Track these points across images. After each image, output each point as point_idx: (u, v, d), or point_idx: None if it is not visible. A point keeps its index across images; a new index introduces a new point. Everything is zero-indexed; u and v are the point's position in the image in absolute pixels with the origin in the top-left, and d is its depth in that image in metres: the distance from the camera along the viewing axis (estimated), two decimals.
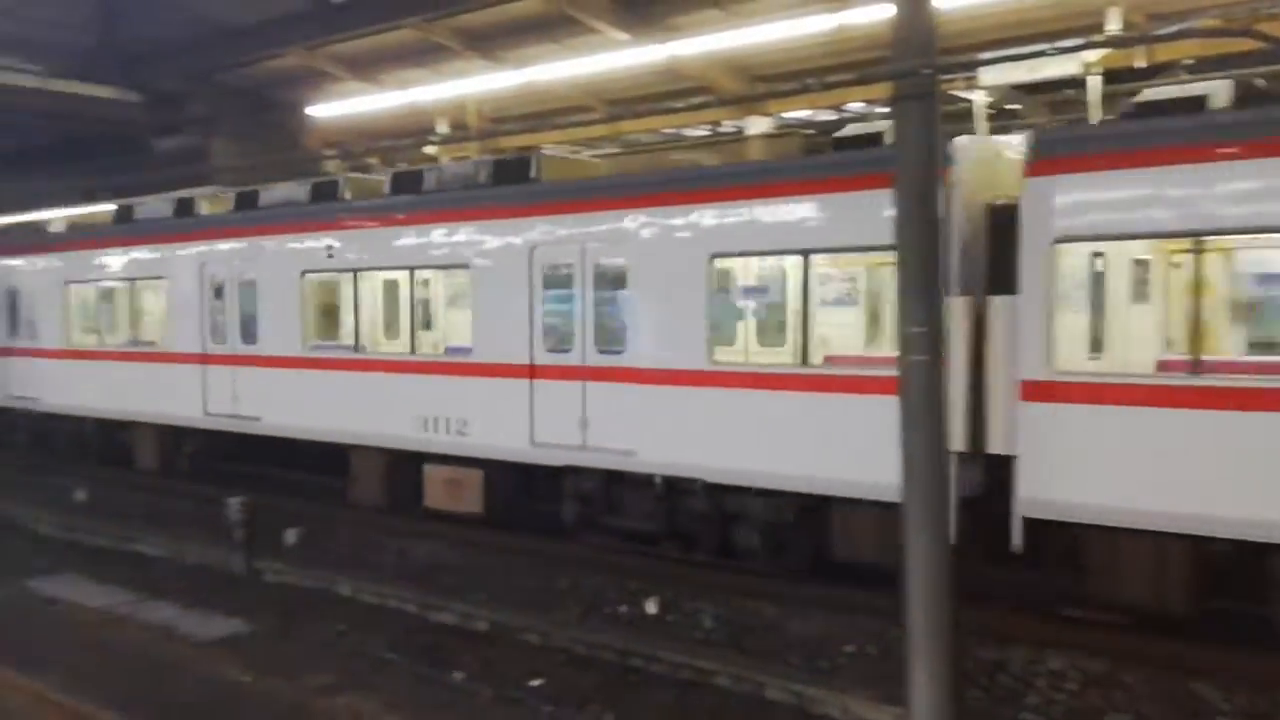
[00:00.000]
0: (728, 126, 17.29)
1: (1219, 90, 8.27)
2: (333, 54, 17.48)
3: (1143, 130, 8.22)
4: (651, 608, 10.18)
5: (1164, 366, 8.41)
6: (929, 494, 6.80)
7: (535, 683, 9.12)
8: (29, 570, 13.30)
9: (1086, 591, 8.54)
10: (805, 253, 9.63)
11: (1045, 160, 8.41)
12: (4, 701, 8.96)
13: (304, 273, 13.76)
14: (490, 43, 16.05)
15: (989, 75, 11.39)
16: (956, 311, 8.57)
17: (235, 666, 9.81)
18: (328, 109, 18.13)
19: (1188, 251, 7.87)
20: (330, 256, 13.44)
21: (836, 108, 16.58)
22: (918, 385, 6.78)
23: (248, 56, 18.09)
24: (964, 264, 8.76)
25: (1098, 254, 8.64)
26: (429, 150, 16.95)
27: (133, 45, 19.36)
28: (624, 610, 10.27)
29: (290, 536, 12.87)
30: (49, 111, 17.75)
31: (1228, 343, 8.46)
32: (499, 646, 10.01)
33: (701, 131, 18.43)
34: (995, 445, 8.65)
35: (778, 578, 10.29)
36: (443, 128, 17.51)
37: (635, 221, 10.66)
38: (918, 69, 6.57)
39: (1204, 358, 7.86)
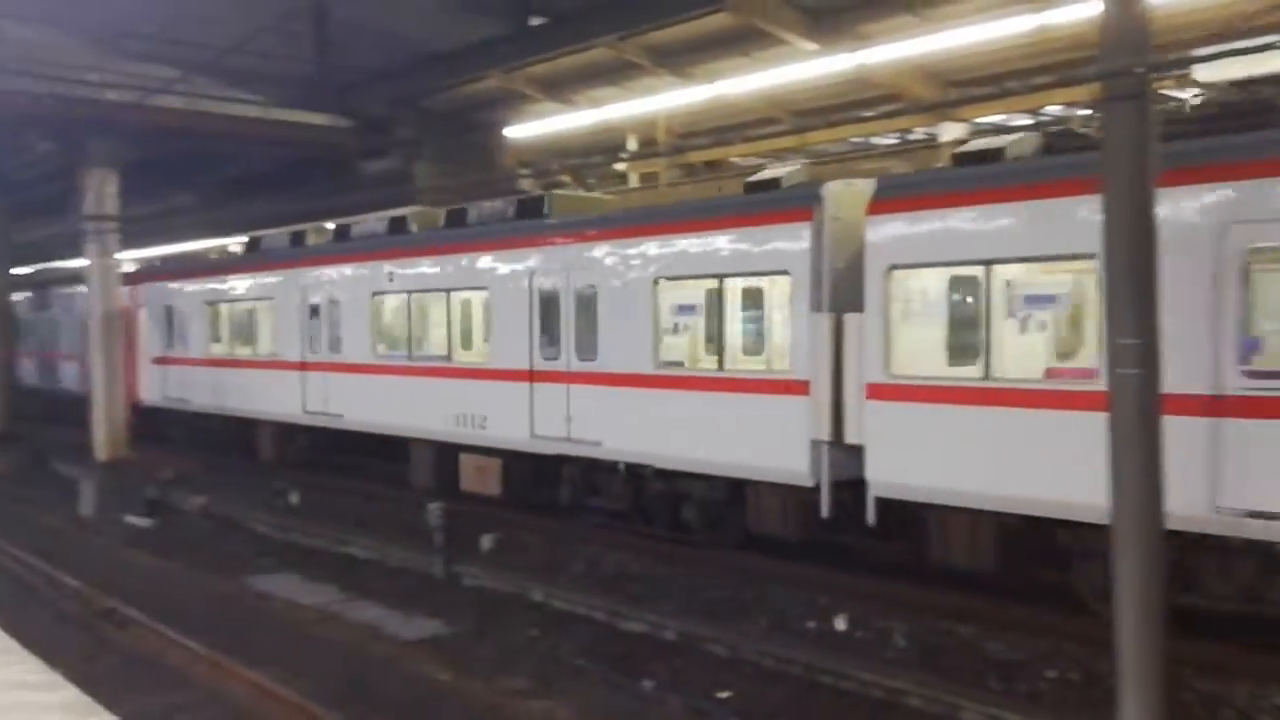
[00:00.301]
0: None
1: (1023, 142, 9.95)
2: (529, 75, 18.05)
3: (943, 178, 10.30)
4: (840, 624, 9.99)
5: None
6: (1141, 515, 6.42)
7: (724, 695, 9.10)
8: (249, 568, 14.25)
9: (928, 559, 10.20)
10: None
11: (881, 202, 10.25)
12: (228, 690, 9.57)
13: (373, 294, 16.23)
14: (680, 58, 16.22)
15: (1204, 73, 10.71)
16: (822, 326, 10.52)
17: (436, 666, 10.19)
18: (523, 129, 18.74)
19: (977, 275, 9.49)
20: (390, 280, 15.85)
21: (1033, 111, 15.95)
22: (1130, 400, 6.41)
23: (450, 81, 18.89)
24: (833, 287, 10.53)
25: (921, 278, 10.09)
26: (619, 167, 17.29)
27: (345, 74, 20.57)
28: (812, 625, 10.13)
29: (486, 542, 13.30)
30: (270, 139, 19.02)
31: (1018, 351, 9.63)
32: (687, 656, 10.03)
33: (890, 140, 18.10)
34: (850, 437, 10.44)
35: (975, 597, 9.95)
36: (632, 144, 17.83)
37: (601, 251, 12.74)
38: (1129, 68, 6.25)
39: (1000, 368, 9.41)
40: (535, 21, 17.71)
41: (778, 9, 14.68)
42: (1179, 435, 7.20)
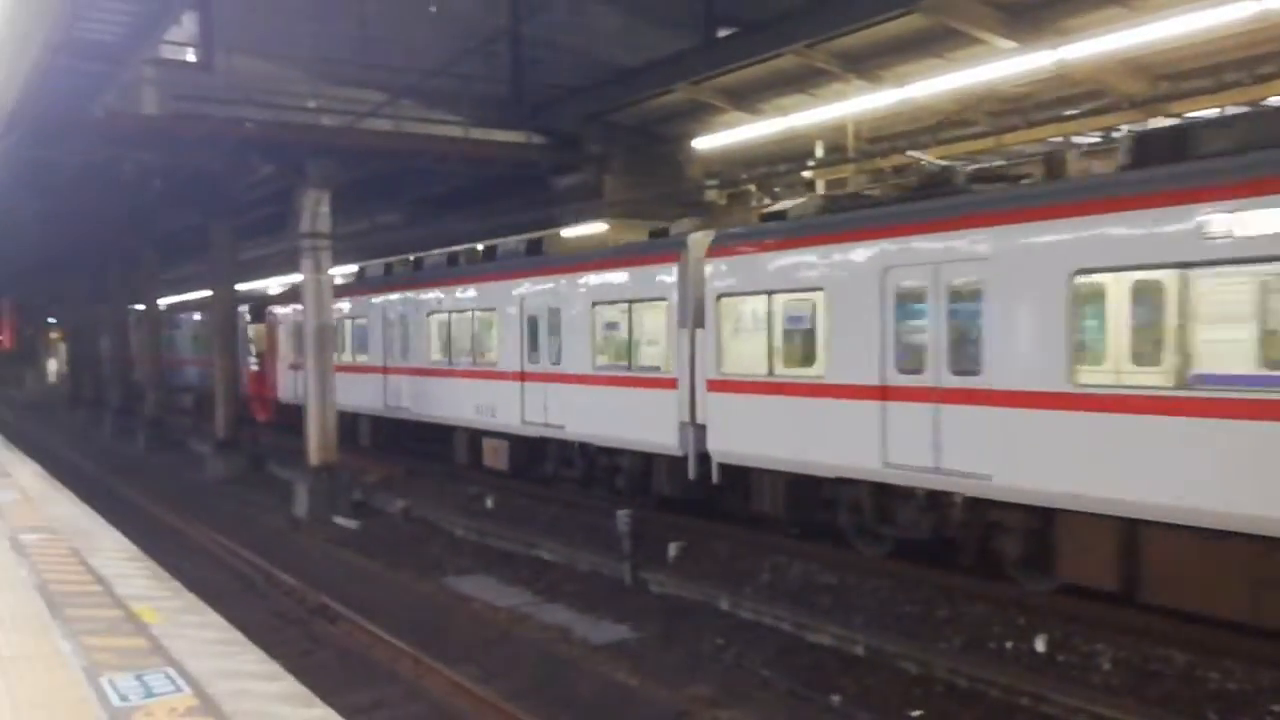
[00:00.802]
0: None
1: (807, 205, 13.91)
2: (716, 86, 18.15)
3: (748, 232, 14.24)
4: (1040, 645, 9.56)
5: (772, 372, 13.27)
6: None
7: (915, 713, 8.85)
8: (447, 569, 14.83)
9: (751, 508, 13.74)
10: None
11: (714, 248, 14.12)
12: (429, 687, 9.97)
13: (429, 313, 21.10)
14: (869, 62, 15.95)
15: None
16: (684, 338, 14.43)
17: (624, 670, 10.31)
18: (710, 140, 18.84)
19: (764, 302, 13.20)
20: (440, 302, 20.67)
21: (1254, 103, 14.86)
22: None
23: (639, 95, 19.22)
24: (692, 309, 14.34)
25: (736, 303, 13.76)
26: (806, 174, 17.15)
27: (539, 92, 21.26)
28: (1009, 645, 9.73)
29: (673, 550, 13.39)
30: (469, 157, 19.81)
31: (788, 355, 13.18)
32: (877, 673, 9.81)
33: (1093, 139, 17.24)
34: (700, 418, 14.16)
35: (1186, 622, 9.31)
36: (819, 151, 17.65)
37: (563, 282, 17.03)
38: None
39: (777, 368, 13.12)
40: (723, 33, 17.79)
41: (973, 7, 14.23)
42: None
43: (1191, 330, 8.87)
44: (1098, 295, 9.65)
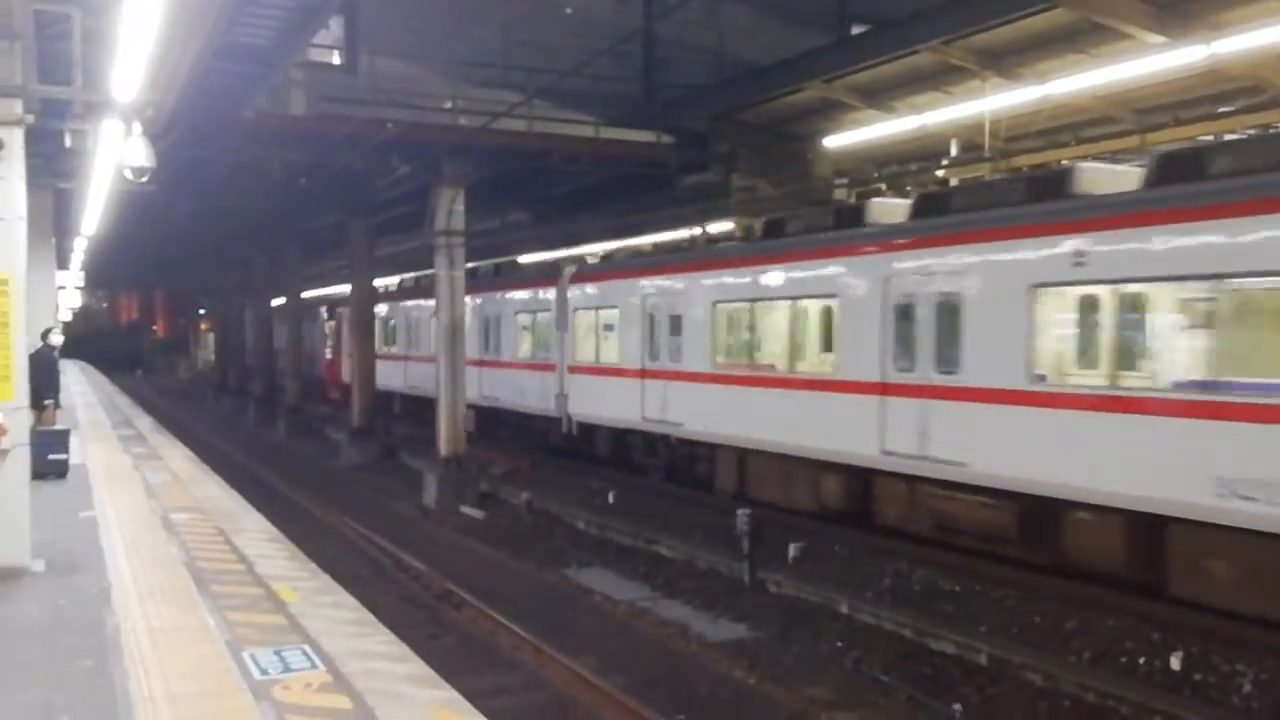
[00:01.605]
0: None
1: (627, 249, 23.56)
2: (849, 84, 17.94)
3: (584, 268, 21.71)
4: (1176, 662, 9.19)
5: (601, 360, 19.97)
6: None
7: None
8: (568, 561, 15.08)
9: (596, 453, 20.36)
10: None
11: (572, 275, 21.24)
12: (549, 676, 10.17)
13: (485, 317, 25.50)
14: (1008, 59, 15.53)
15: None
16: (559, 337, 21.21)
17: (740, 669, 10.34)
18: (840, 138, 18.66)
19: (594, 315, 20.24)
20: (480, 305, 24.94)
21: None
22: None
23: (770, 93, 19.16)
24: (563, 318, 21.07)
25: (581, 316, 20.67)
26: (939, 173, 16.81)
27: (668, 91, 21.40)
28: (1142, 661, 9.38)
29: (792, 550, 13.33)
30: (600, 156, 20.08)
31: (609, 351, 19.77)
32: (1000, 683, 9.58)
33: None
34: (563, 390, 21.00)
35: None
36: (954, 149, 17.27)
37: (501, 296, 24.39)
38: None
39: (603, 359, 19.82)
40: (857, 30, 17.58)
41: (1121, 2, 13.75)
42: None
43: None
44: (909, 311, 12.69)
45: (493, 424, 24.55)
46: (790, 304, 14.88)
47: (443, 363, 20.27)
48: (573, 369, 20.67)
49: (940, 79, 16.82)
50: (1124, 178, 11.20)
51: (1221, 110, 14.50)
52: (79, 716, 5.51)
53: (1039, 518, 11.16)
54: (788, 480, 14.82)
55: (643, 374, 18.17)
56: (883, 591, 11.96)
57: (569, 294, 20.80)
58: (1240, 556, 9.36)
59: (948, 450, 11.83)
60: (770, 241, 15.81)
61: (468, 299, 22.36)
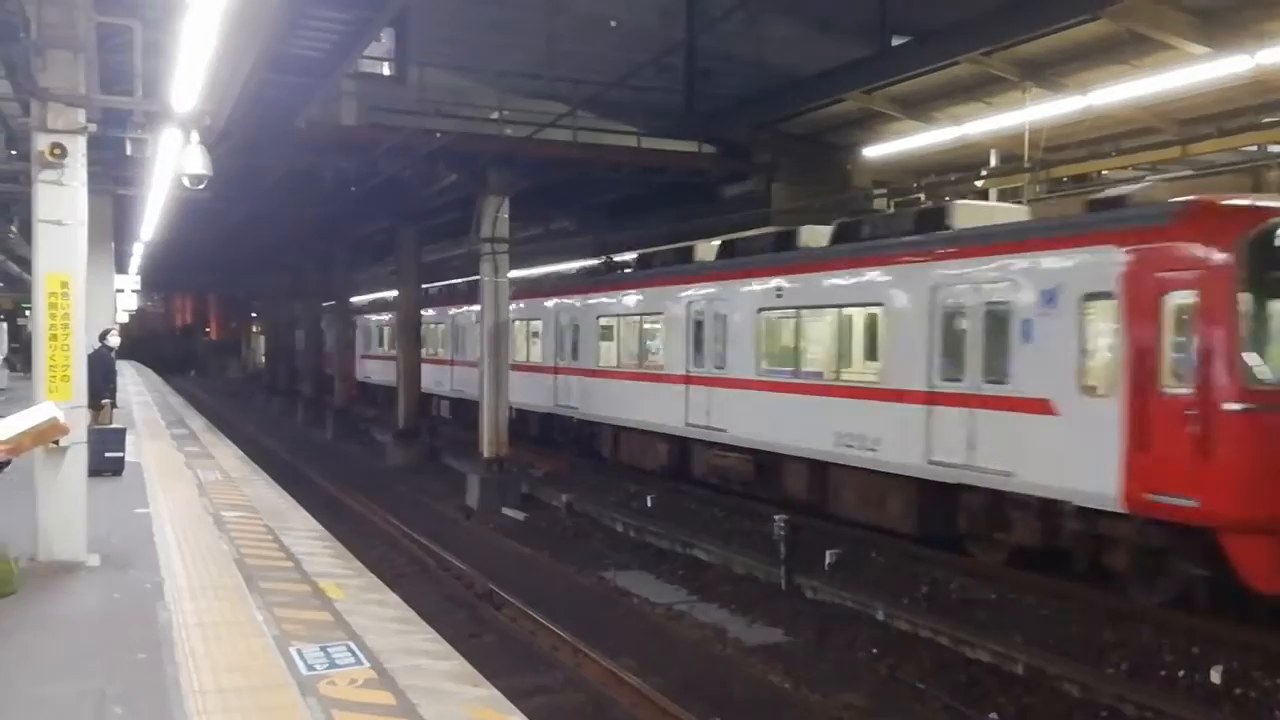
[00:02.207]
0: None
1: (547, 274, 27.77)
2: (889, 95, 18.00)
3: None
4: (1216, 676, 9.16)
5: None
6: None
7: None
8: (607, 563, 15.23)
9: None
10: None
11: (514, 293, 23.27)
12: (587, 676, 10.28)
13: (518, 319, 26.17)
14: (1049, 70, 15.51)
15: None
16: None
17: (776, 673, 10.40)
18: (881, 148, 18.70)
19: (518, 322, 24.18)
20: (519, 311, 24.57)
21: None
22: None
23: (810, 104, 19.25)
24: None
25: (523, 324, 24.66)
26: (978, 184, 16.81)
27: (710, 102, 21.56)
28: (1181, 674, 9.36)
29: (829, 557, 13.40)
30: (642, 166, 20.27)
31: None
32: (1036, 693, 9.58)
33: None
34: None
35: None
36: (993, 160, 17.27)
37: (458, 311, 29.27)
38: None
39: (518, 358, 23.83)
40: (897, 41, 17.64)
41: (1165, 13, 13.69)
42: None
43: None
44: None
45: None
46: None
47: (486, 367, 20.56)
48: (514, 366, 22.36)
49: (980, 89, 16.83)
50: (818, 235, 15.79)
51: (1267, 120, 14.39)
52: (133, 707, 5.68)
53: (767, 466, 15.98)
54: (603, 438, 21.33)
55: (556, 370, 22.44)
56: (919, 599, 12.00)
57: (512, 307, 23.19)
58: (855, 483, 14.07)
59: (718, 422, 16.88)
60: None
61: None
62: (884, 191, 19.54)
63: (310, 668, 6.36)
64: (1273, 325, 9.99)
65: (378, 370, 38.10)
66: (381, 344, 37.89)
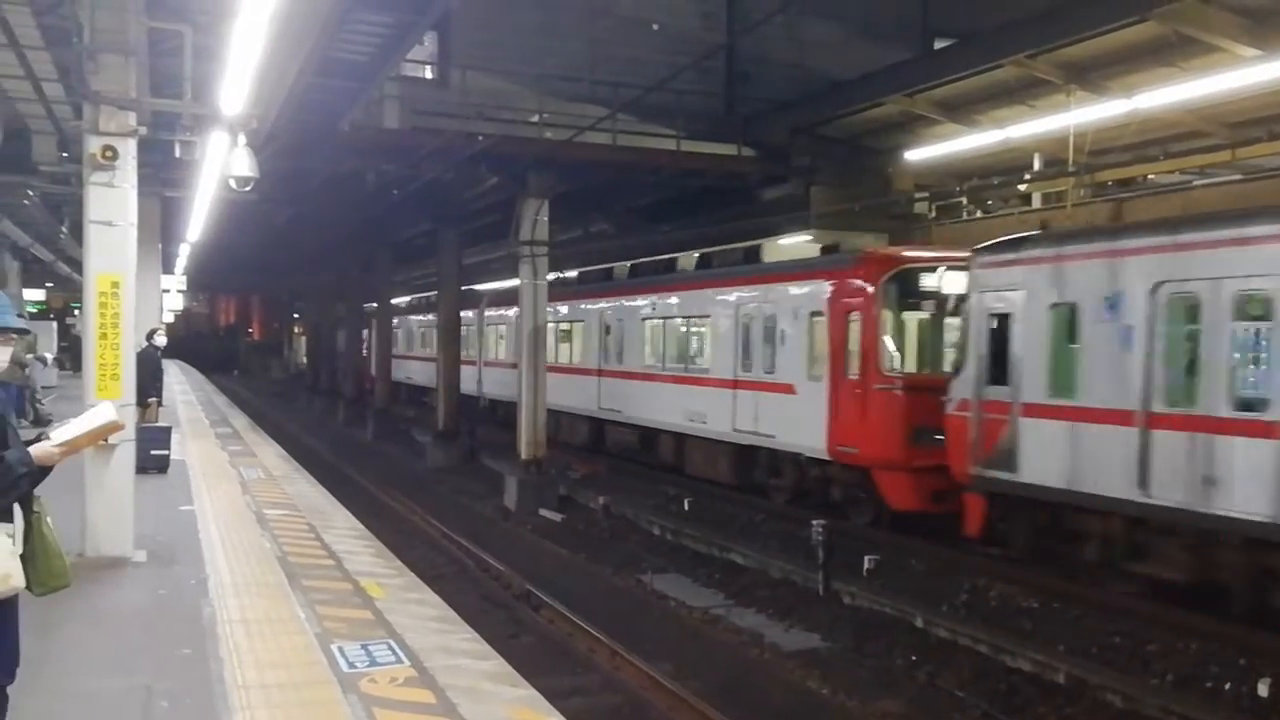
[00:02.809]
0: None
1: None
2: (931, 98, 17.88)
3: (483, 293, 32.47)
4: (1264, 689, 9.01)
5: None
6: None
7: None
8: (644, 566, 15.23)
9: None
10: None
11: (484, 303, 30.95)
12: (624, 679, 10.31)
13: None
14: (1095, 72, 15.32)
15: None
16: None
17: (814, 679, 10.37)
18: (922, 152, 18.58)
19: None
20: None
21: None
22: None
23: (851, 107, 19.17)
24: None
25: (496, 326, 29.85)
26: (1021, 187, 16.64)
27: (750, 105, 21.54)
28: (1228, 686, 9.22)
29: (867, 563, 13.33)
30: (681, 169, 20.28)
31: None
32: (1078, 703, 9.48)
33: None
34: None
35: None
36: (1037, 164, 17.09)
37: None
38: None
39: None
40: (940, 44, 17.51)
41: (1214, 14, 13.49)
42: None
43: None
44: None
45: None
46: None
47: (525, 369, 20.65)
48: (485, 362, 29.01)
49: (1024, 93, 16.67)
50: (690, 260, 21.18)
51: None
52: (178, 701, 5.79)
53: (649, 438, 20.87)
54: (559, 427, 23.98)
55: (514, 364, 24.42)
56: (959, 606, 11.90)
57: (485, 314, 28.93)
58: (700, 450, 19.04)
59: (618, 406, 21.90)
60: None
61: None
62: (925, 195, 19.39)
63: (351, 665, 6.44)
64: (903, 334, 14.98)
65: (415, 371, 38.68)
66: (422, 345, 38.53)
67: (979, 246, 13.23)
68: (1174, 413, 10.37)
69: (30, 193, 20.11)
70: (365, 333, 41.28)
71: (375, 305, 37.49)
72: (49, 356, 25.01)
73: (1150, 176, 15.82)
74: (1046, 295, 11.84)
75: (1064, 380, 11.65)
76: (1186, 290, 10.33)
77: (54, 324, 33.80)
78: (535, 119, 19.30)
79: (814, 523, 13.31)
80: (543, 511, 19.19)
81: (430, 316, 35.19)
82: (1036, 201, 17.21)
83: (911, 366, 14.79)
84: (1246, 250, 9.85)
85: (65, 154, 16.53)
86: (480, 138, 17.88)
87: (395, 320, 39.45)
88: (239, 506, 12.23)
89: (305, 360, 55.66)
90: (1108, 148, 16.30)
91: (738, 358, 17.74)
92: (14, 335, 4.29)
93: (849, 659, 11.03)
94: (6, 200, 21.62)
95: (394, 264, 37.53)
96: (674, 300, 19.99)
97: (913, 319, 15.11)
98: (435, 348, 29.57)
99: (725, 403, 17.78)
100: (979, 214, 17.31)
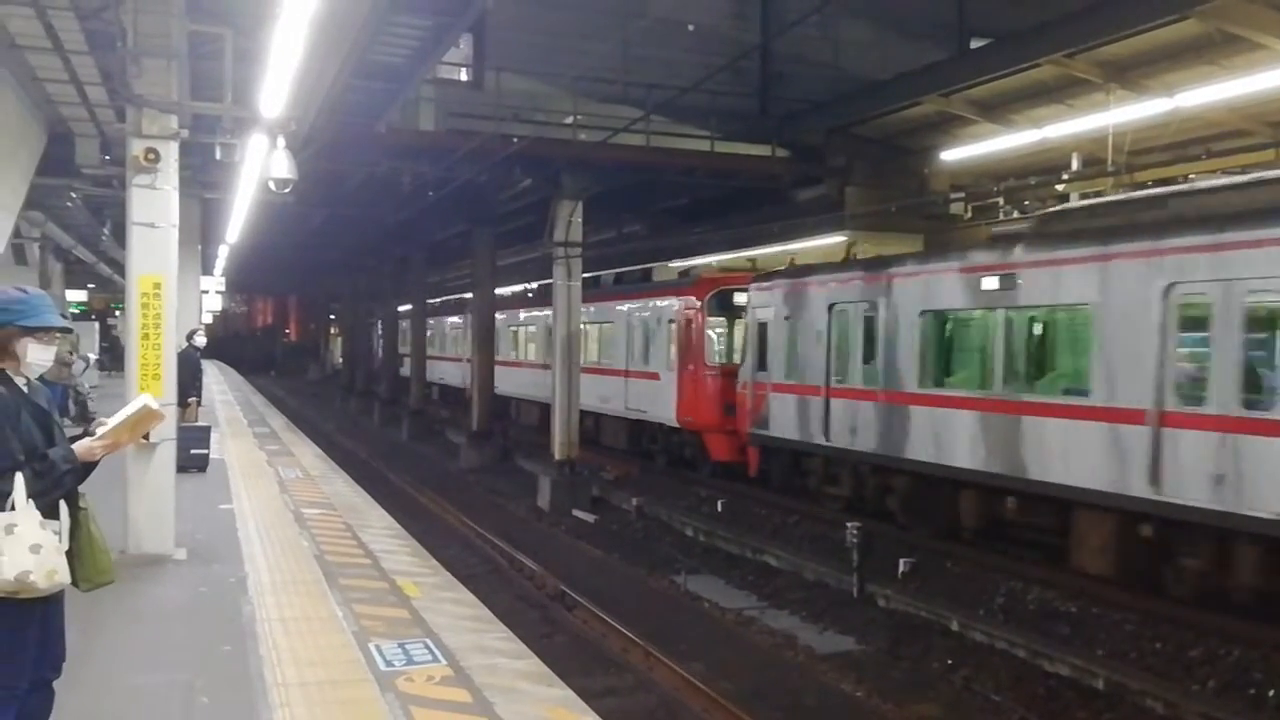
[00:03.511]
0: None
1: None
2: (967, 98, 17.72)
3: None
4: None
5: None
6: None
7: None
8: (677, 567, 15.23)
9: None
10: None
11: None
12: (657, 679, 10.33)
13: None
14: (1134, 71, 15.13)
15: None
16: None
17: (848, 682, 10.33)
18: (959, 152, 18.44)
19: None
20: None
21: None
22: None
23: (886, 107, 19.06)
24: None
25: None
26: (1059, 187, 16.45)
27: (785, 105, 21.47)
28: (1271, 694, 9.07)
29: (902, 565, 13.25)
30: (715, 170, 20.26)
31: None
32: (1118, 709, 9.37)
33: None
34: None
35: None
36: (1075, 163, 16.87)
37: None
38: None
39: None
40: (976, 43, 17.36)
41: (1257, 11, 13.29)
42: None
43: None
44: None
45: None
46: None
47: (558, 370, 20.71)
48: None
49: (1062, 92, 16.51)
50: (668, 271, 24.22)
51: None
52: (218, 698, 5.85)
53: (599, 423, 24.24)
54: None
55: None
56: (995, 610, 11.80)
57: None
58: (609, 426, 23.79)
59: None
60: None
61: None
62: (961, 195, 19.24)
63: (389, 664, 6.48)
64: (723, 337, 20.55)
65: (447, 372, 39.48)
66: (450, 346, 39.50)
67: (756, 275, 18.96)
68: (842, 387, 15.68)
69: (73, 195, 20.40)
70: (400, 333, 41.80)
71: (410, 307, 37.72)
72: (91, 357, 25.36)
73: (1190, 176, 15.60)
74: (782, 311, 17.23)
75: (792, 368, 16.91)
76: (842, 308, 15.82)
77: (95, 325, 34.28)
78: (569, 121, 19.34)
79: (849, 525, 13.26)
80: (576, 512, 19.23)
81: (457, 319, 37.74)
82: (1075, 200, 16.99)
83: (725, 360, 20.26)
84: (847, 283, 15.89)
85: (107, 156, 16.75)
86: (515, 140, 17.94)
87: (431, 322, 39.86)
88: (277, 505, 12.35)
89: (341, 361, 56.08)
90: (1148, 147, 16.09)
91: (629, 354, 22.94)
92: (58, 334, 4.36)
93: (884, 662, 10.97)
94: (50, 203, 21.94)
95: (428, 266, 37.76)
96: (593, 309, 23.85)
97: (726, 325, 20.68)
98: (470, 349, 29.82)
99: (620, 387, 23.05)
100: (1015, 214, 17.13)
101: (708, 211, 24.45)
